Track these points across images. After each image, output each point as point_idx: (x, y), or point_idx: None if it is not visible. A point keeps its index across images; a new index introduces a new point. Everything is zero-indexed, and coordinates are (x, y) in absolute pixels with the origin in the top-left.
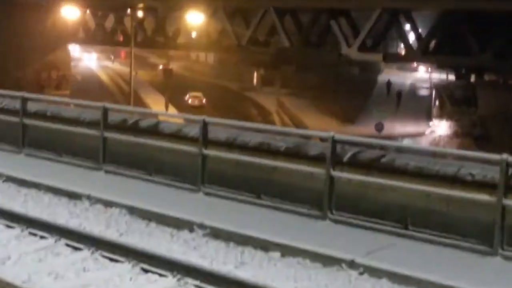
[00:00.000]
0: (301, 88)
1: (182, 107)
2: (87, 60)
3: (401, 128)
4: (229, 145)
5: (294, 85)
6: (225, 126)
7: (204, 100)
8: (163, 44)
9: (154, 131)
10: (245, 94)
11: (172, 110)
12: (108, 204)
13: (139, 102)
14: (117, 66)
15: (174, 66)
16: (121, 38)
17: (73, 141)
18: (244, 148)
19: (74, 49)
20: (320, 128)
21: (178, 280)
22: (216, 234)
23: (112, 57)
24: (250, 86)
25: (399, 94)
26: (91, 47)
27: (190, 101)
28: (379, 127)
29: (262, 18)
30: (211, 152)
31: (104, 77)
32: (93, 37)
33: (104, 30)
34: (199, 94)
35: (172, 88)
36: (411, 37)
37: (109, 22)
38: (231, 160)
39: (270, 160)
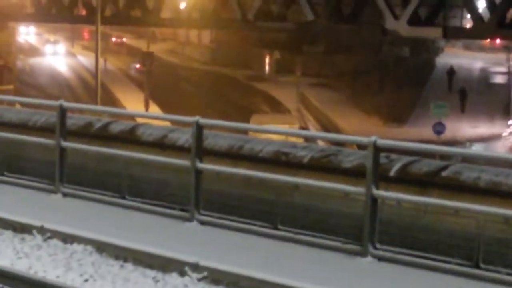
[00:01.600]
0: (331, 77)
1: (168, 104)
2: (38, 44)
3: (469, 129)
4: (233, 155)
5: (322, 72)
6: (227, 130)
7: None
8: (141, 20)
9: (129, 138)
10: (253, 85)
11: (154, 109)
12: (68, 238)
13: (110, 99)
14: (78, 50)
15: (156, 49)
16: (83, 12)
17: (19, 153)
18: (253, 159)
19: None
20: (358, 130)
21: None
22: (216, 278)
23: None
24: (261, 75)
25: (462, 92)
26: (42, 26)
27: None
28: (439, 129)
29: None
30: (207, 166)
31: (61, 66)
32: (46, 12)
33: (60, 2)
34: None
35: (154, 80)
36: (481, 4)
37: None
38: (236, 177)
39: (290, 176)
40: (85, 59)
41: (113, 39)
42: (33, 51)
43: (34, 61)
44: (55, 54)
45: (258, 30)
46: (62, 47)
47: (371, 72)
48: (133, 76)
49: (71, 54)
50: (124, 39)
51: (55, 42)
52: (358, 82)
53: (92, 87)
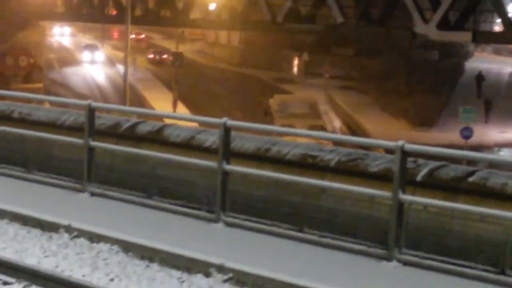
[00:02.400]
0: (359, 80)
1: (196, 104)
2: (72, 48)
3: (497, 134)
4: (260, 158)
5: (350, 75)
6: (254, 132)
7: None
8: (171, 20)
9: (157, 138)
10: (281, 87)
11: (182, 110)
12: (95, 238)
13: (138, 100)
14: (108, 50)
15: (186, 49)
16: (113, 12)
17: (48, 152)
18: (280, 162)
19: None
20: (386, 134)
21: None
22: (241, 280)
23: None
24: (289, 77)
25: (487, 102)
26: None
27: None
28: (467, 133)
29: None
30: (234, 167)
31: (100, 76)
32: (76, 11)
33: (91, 1)
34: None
35: (183, 80)
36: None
37: None
38: (262, 179)
39: (316, 179)
40: (113, 58)
41: (133, 36)
42: (67, 57)
43: (69, 71)
44: (93, 63)
45: (287, 32)
46: (101, 54)
47: (399, 75)
48: (161, 75)
49: (110, 62)
50: (142, 35)
51: (93, 48)
52: (386, 85)
53: (121, 87)
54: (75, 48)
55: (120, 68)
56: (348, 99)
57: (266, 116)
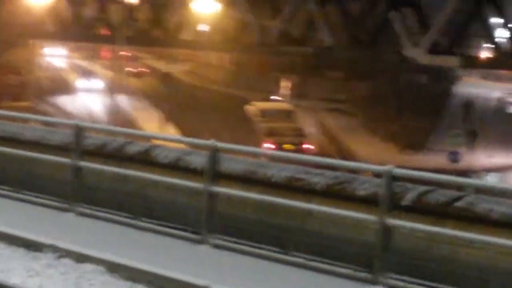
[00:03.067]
0: (348, 102)
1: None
2: (57, 62)
3: (485, 159)
4: (247, 180)
5: (339, 98)
6: (243, 154)
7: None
8: (162, 41)
9: (145, 159)
10: None
11: (171, 130)
12: (80, 258)
13: (127, 120)
14: (98, 69)
15: (177, 70)
16: (105, 32)
17: (35, 171)
18: (267, 184)
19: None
20: (374, 157)
21: None
22: None
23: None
24: (277, 98)
25: (473, 133)
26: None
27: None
28: (455, 157)
29: (297, 6)
30: (222, 189)
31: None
32: (68, 30)
33: (82, 21)
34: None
35: (173, 101)
36: (500, 33)
37: (90, 10)
38: (249, 201)
39: (303, 202)
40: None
41: (123, 53)
42: (60, 82)
43: (63, 100)
44: (90, 91)
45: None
46: (99, 82)
47: (388, 98)
48: (151, 95)
49: (109, 91)
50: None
51: (89, 74)
52: (376, 108)
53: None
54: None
55: (121, 98)
56: (337, 121)
57: (243, 121)
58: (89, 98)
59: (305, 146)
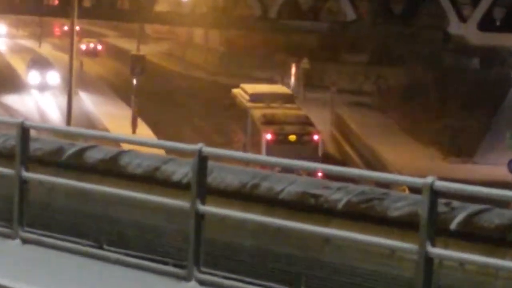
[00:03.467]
0: (376, 95)
1: (162, 125)
2: (11, 56)
3: None
4: (245, 196)
5: (364, 89)
6: (238, 162)
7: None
8: (130, 14)
9: (111, 169)
10: None
11: (143, 131)
12: None
13: (86, 117)
14: (47, 50)
15: (150, 51)
16: (55, 2)
17: None
18: (271, 202)
19: None
20: (410, 166)
21: None
22: None
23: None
24: None
25: None
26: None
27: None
28: None
29: None
30: (212, 209)
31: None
32: (7, 1)
33: None
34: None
35: (145, 93)
36: None
37: None
38: (248, 225)
39: (319, 226)
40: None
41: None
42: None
43: (10, 100)
44: (44, 89)
45: (282, 31)
46: (55, 75)
47: (428, 89)
48: (117, 85)
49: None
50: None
51: (43, 65)
52: (411, 103)
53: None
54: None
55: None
56: (362, 120)
57: (229, 109)
58: (43, 98)
59: (315, 137)
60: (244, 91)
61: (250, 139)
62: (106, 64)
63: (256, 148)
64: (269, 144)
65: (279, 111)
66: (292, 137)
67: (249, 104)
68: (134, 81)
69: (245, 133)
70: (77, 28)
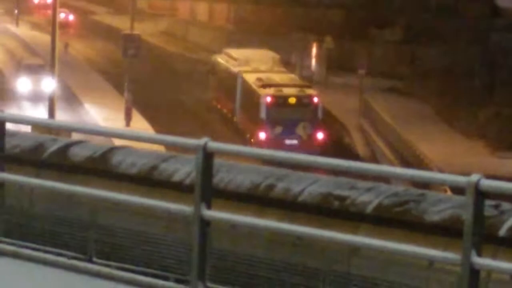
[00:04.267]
0: (412, 79)
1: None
2: None
3: None
4: (258, 199)
5: (398, 71)
6: (248, 158)
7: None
8: None
9: (101, 168)
10: None
11: (138, 123)
12: None
13: (73, 107)
14: (26, 31)
15: (145, 30)
16: None
17: None
18: (289, 206)
19: None
20: (453, 162)
21: None
22: None
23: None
24: (305, 73)
25: None
26: None
27: None
28: None
29: None
30: (218, 214)
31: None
32: None
33: None
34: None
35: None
36: None
37: None
38: (261, 232)
39: (345, 233)
40: (34, 43)
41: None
42: None
43: None
44: (37, 99)
45: (300, 5)
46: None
47: (473, 72)
48: (108, 70)
49: (15, 36)
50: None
51: (36, 70)
52: (454, 88)
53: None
54: None
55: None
56: (395, 108)
57: (210, 76)
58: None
59: (315, 99)
60: (229, 56)
61: (242, 104)
62: (95, 45)
63: (252, 111)
64: (269, 107)
65: (273, 74)
66: (292, 100)
67: (238, 69)
68: (127, 65)
69: (234, 99)
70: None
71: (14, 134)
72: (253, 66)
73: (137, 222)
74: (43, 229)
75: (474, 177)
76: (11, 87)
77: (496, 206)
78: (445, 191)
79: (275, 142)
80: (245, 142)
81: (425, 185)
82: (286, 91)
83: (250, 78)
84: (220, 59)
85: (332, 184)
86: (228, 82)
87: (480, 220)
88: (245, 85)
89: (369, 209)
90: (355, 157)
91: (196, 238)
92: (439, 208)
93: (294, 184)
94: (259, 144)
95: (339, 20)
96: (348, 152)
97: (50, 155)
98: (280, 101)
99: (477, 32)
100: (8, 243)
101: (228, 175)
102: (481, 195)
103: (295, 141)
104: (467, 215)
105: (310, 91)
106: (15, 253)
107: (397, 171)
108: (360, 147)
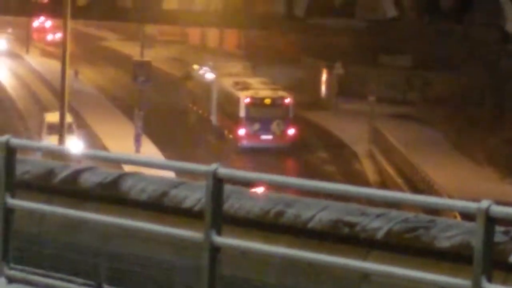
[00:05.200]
0: (421, 105)
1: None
2: None
3: None
4: (267, 226)
5: (408, 97)
6: (257, 183)
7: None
8: (133, 13)
9: (111, 195)
10: (302, 115)
11: (148, 150)
12: None
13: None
14: (36, 58)
15: (156, 57)
16: (45, 0)
17: None
18: (298, 232)
19: None
20: (462, 188)
21: None
22: None
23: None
24: (315, 99)
25: None
26: None
27: None
28: None
29: None
30: (228, 240)
31: (10, 81)
32: None
33: None
34: None
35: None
36: None
37: None
38: (271, 259)
39: (355, 260)
40: (45, 70)
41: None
42: None
43: None
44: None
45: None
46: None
47: (484, 98)
48: (118, 96)
49: (25, 63)
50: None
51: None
52: (463, 113)
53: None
54: None
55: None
56: (405, 134)
57: (186, 80)
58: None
59: (286, 100)
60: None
61: (219, 105)
62: (105, 72)
63: (231, 110)
64: (248, 107)
65: (246, 79)
66: (268, 101)
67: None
68: (138, 91)
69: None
70: (48, 23)
71: (24, 160)
72: (228, 70)
73: (147, 248)
74: (53, 255)
75: (484, 203)
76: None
77: (506, 232)
78: (455, 217)
79: (253, 137)
80: (222, 137)
81: (435, 211)
82: (262, 93)
83: (227, 82)
84: (195, 66)
85: (342, 210)
86: (203, 87)
87: (490, 246)
88: (222, 88)
89: (379, 235)
90: (365, 183)
91: (206, 264)
92: (449, 234)
93: (304, 210)
94: (239, 139)
95: (349, 47)
96: (358, 179)
97: (61, 181)
98: (258, 102)
99: (487, 58)
100: (18, 270)
101: (238, 201)
102: (491, 221)
103: (270, 136)
104: (477, 241)
105: (282, 93)
106: (26, 280)
107: (407, 197)
108: (370, 174)
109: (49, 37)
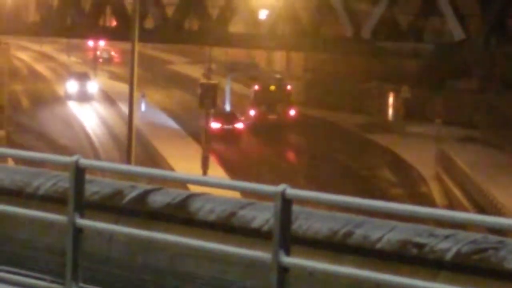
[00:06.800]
0: (489, 128)
1: (238, 164)
2: (43, 69)
3: None
4: (335, 246)
5: (475, 120)
6: (327, 206)
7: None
8: (200, 36)
9: (180, 216)
10: (369, 137)
11: (216, 171)
12: None
13: (150, 156)
14: (103, 80)
15: (222, 79)
16: (112, 24)
17: (11, 234)
18: (367, 253)
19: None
20: None
21: None
22: None
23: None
24: (382, 123)
25: None
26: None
27: None
28: None
29: None
30: (297, 260)
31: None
32: (58, 22)
33: (79, 7)
34: None
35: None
36: None
37: None
38: (339, 279)
39: (424, 280)
40: (112, 92)
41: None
42: (42, 89)
43: (45, 112)
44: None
45: (377, 55)
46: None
47: None
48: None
49: (108, 99)
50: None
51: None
52: None
53: (124, 136)
54: (54, 77)
55: (124, 108)
56: (472, 157)
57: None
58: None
59: (288, 87)
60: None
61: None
62: (172, 95)
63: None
64: (257, 93)
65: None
66: (272, 87)
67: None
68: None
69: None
70: (101, 44)
71: (92, 180)
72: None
73: (215, 268)
74: (122, 275)
75: None
76: None
77: None
78: None
79: (261, 117)
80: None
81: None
82: (268, 81)
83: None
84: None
85: (410, 231)
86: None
87: None
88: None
89: (448, 256)
90: (433, 205)
91: (275, 285)
92: None
93: (372, 231)
94: (250, 118)
95: (416, 70)
96: (425, 201)
97: (129, 202)
98: (264, 88)
99: None
100: None
101: (306, 222)
102: None
103: (275, 116)
104: None
105: (284, 82)
106: None
107: (476, 218)
108: (437, 196)
109: (104, 54)
